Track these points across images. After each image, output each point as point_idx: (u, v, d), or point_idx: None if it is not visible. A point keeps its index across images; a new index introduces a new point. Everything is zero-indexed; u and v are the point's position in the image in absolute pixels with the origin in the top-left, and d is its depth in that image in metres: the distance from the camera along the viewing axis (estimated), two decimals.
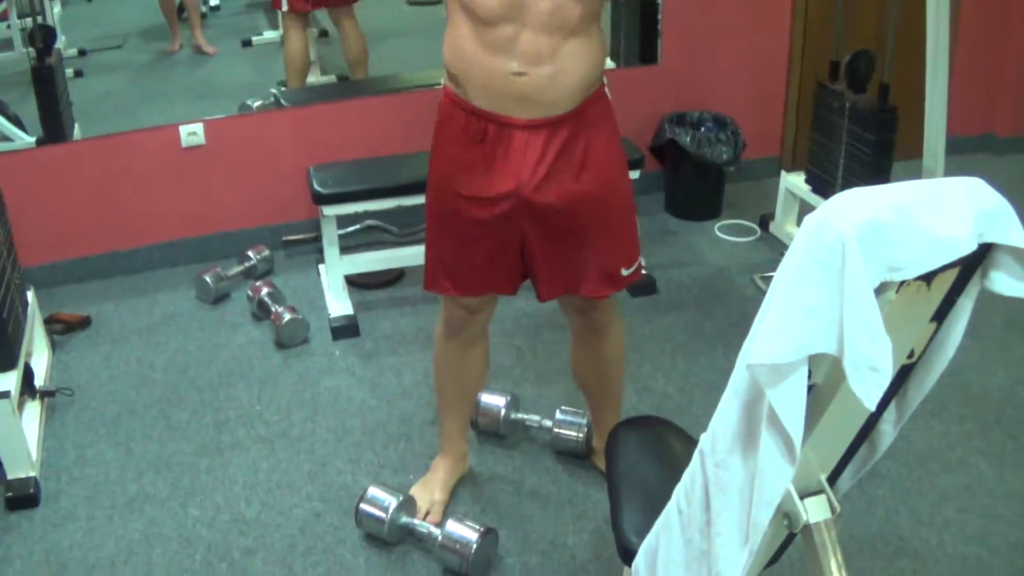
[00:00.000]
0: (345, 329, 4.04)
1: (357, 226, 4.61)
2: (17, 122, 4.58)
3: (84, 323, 4.18)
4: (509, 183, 2.44)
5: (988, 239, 1.53)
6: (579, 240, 2.55)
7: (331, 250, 4.09)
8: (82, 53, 5.48)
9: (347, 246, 4.34)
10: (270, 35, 5.71)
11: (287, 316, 3.96)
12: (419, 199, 4.02)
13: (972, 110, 5.78)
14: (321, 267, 4.37)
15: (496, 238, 2.55)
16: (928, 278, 1.51)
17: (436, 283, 2.71)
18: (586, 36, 2.37)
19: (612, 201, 2.57)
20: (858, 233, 1.39)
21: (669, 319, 4.12)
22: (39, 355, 3.84)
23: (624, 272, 2.64)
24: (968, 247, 1.49)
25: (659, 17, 5.00)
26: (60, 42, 4.55)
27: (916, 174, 4.29)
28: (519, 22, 2.28)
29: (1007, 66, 5.85)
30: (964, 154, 5.70)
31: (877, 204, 1.45)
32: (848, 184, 4.22)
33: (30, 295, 3.79)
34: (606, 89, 2.54)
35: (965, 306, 1.67)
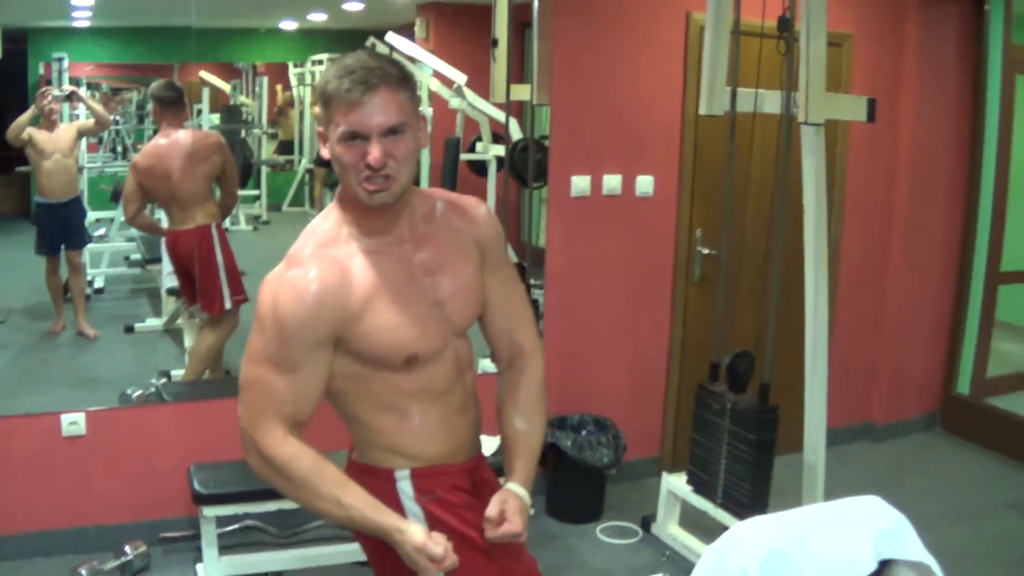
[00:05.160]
0: None
1: (236, 526, 4.70)
2: None
3: None
4: None
5: (887, 556, 1.73)
6: None
7: (210, 551, 4.22)
8: None
9: (225, 545, 4.44)
10: (153, 322, 5.97)
11: None
12: None
13: (850, 400, 6.23)
14: (199, 566, 4.43)
15: None
16: None
17: None
18: None
19: None
20: (760, 563, 1.57)
21: None
22: None
23: None
24: (868, 568, 1.68)
25: (538, 321, 5.30)
26: None
27: (797, 468, 4.60)
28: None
29: (882, 355, 6.36)
30: (844, 444, 6.11)
31: (777, 534, 1.64)
32: (729, 484, 4.47)
33: None
34: None
35: None
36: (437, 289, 2.46)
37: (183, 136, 5.46)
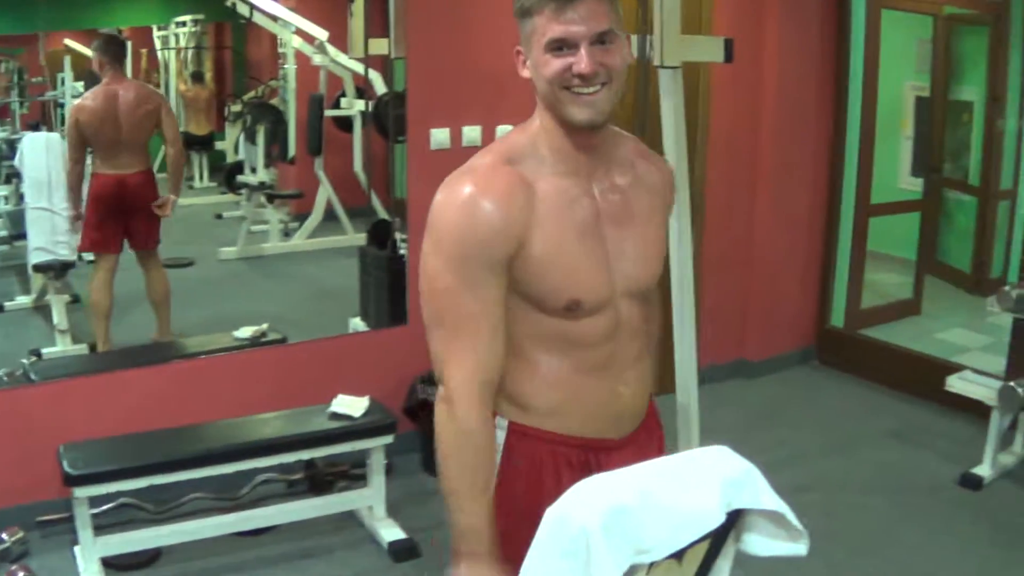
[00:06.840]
0: None
1: (111, 505, 4.60)
2: None
3: None
4: None
5: (736, 506, 1.67)
6: None
7: (85, 533, 4.15)
8: None
9: (101, 525, 4.37)
10: (22, 300, 5.85)
11: None
12: (174, 476, 4.21)
13: (723, 339, 6.33)
14: (76, 548, 4.35)
15: None
16: (679, 555, 1.63)
17: None
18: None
19: None
20: (602, 521, 1.50)
21: None
22: None
23: None
24: (716, 520, 1.61)
25: (406, 278, 5.35)
26: None
27: (671, 408, 4.66)
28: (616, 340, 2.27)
29: (754, 293, 6.46)
30: (719, 382, 6.19)
31: (619, 490, 1.59)
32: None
33: None
34: None
35: (723, 567, 1.81)
36: (618, 243, 2.25)
37: (127, 86, 5.71)
